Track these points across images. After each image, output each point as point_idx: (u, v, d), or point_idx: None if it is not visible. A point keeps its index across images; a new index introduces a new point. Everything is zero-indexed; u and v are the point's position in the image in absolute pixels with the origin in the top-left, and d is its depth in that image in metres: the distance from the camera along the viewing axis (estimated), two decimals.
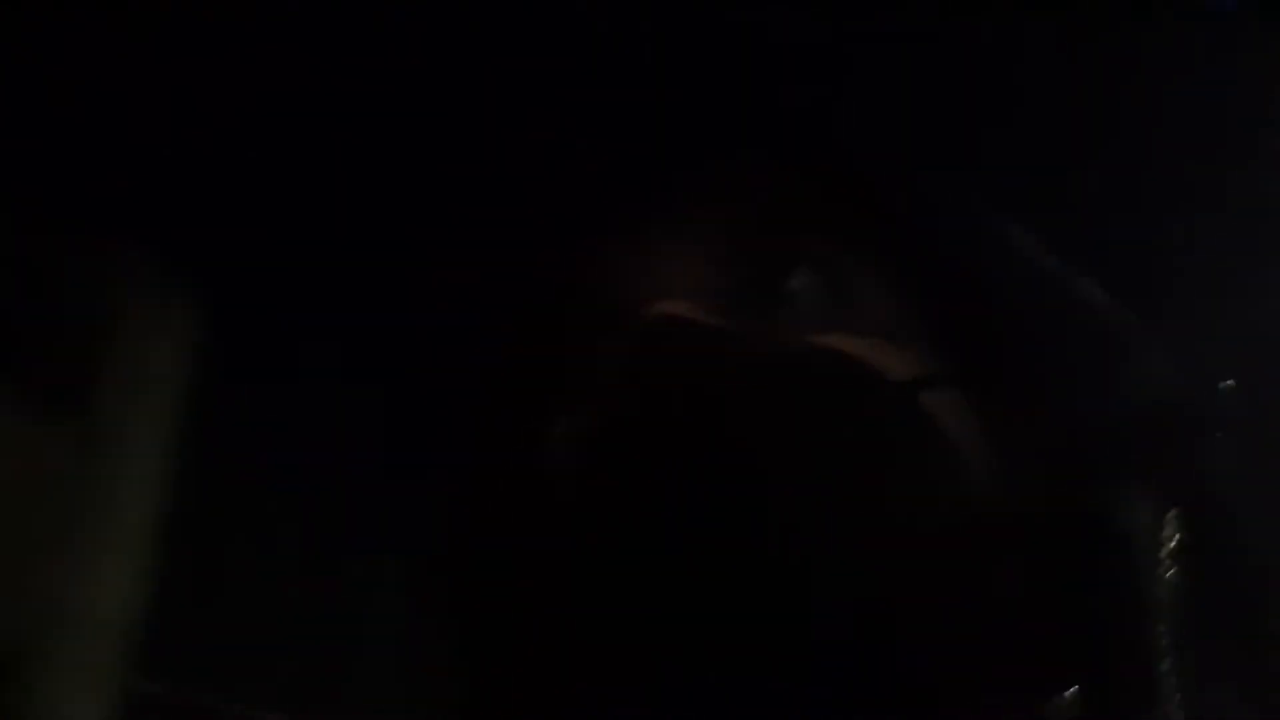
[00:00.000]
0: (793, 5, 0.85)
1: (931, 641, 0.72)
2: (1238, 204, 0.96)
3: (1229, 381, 0.80)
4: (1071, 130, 0.90)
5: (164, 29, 0.87)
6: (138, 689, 0.99)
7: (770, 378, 0.74)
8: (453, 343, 0.89)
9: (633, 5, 0.86)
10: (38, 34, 0.85)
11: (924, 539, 0.73)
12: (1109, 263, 0.82)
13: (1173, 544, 0.76)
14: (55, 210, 0.87)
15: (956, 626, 0.73)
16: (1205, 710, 0.75)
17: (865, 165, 0.82)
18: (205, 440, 0.97)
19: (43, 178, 0.89)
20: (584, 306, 0.79)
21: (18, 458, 0.90)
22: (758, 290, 0.77)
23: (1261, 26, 0.95)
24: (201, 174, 0.93)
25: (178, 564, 1.01)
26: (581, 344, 0.79)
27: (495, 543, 0.81)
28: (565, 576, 0.76)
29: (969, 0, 0.87)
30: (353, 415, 0.94)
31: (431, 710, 0.87)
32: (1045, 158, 0.88)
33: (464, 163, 0.88)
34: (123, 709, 1.01)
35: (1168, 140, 0.93)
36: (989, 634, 0.74)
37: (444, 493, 0.85)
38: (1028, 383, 0.78)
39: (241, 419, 0.97)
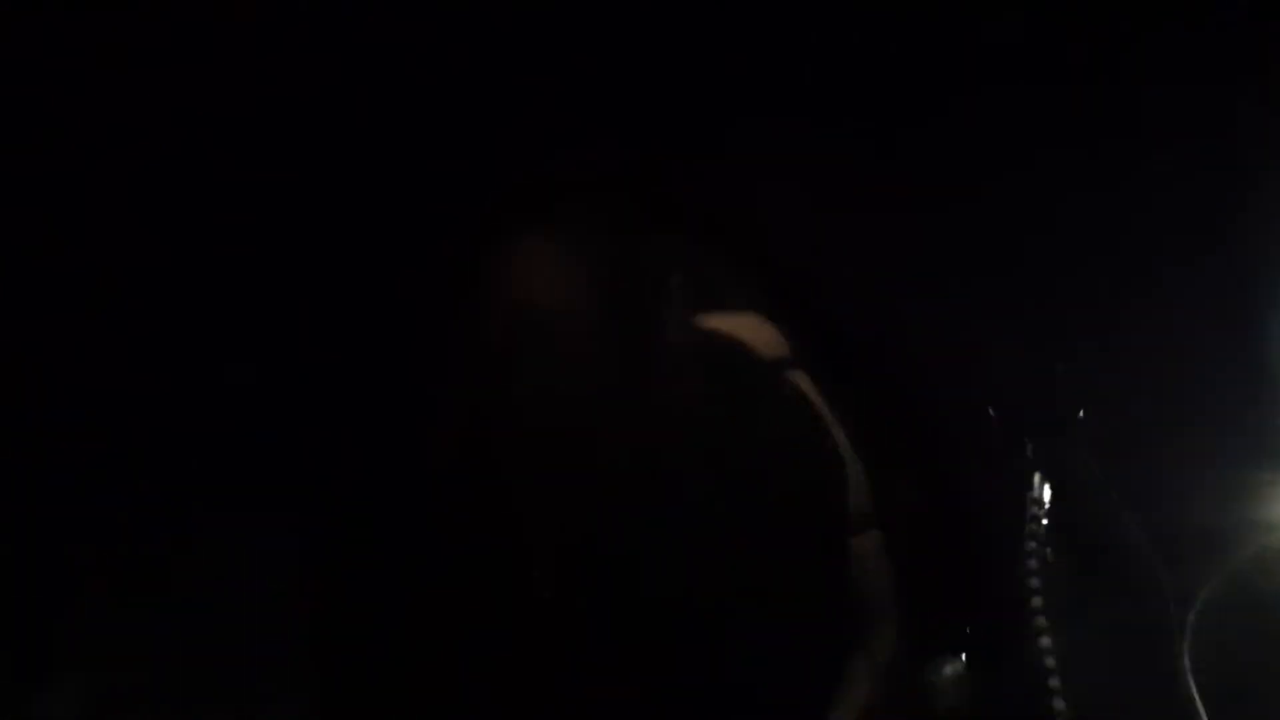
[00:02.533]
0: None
1: (797, 617, 0.78)
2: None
3: (1060, 366, 0.83)
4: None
5: None
6: None
7: (663, 362, 0.80)
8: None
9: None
10: None
11: (792, 511, 0.78)
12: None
13: (1037, 519, 0.81)
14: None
15: (819, 602, 0.78)
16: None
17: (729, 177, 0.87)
18: None
19: None
20: (484, 305, 0.84)
21: None
22: (645, 289, 0.82)
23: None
24: None
25: None
26: (482, 338, 0.84)
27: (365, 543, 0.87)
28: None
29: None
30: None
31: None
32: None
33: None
34: None
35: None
36: (858, 609, 0.80)
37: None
38: (881, 370, 0.83)
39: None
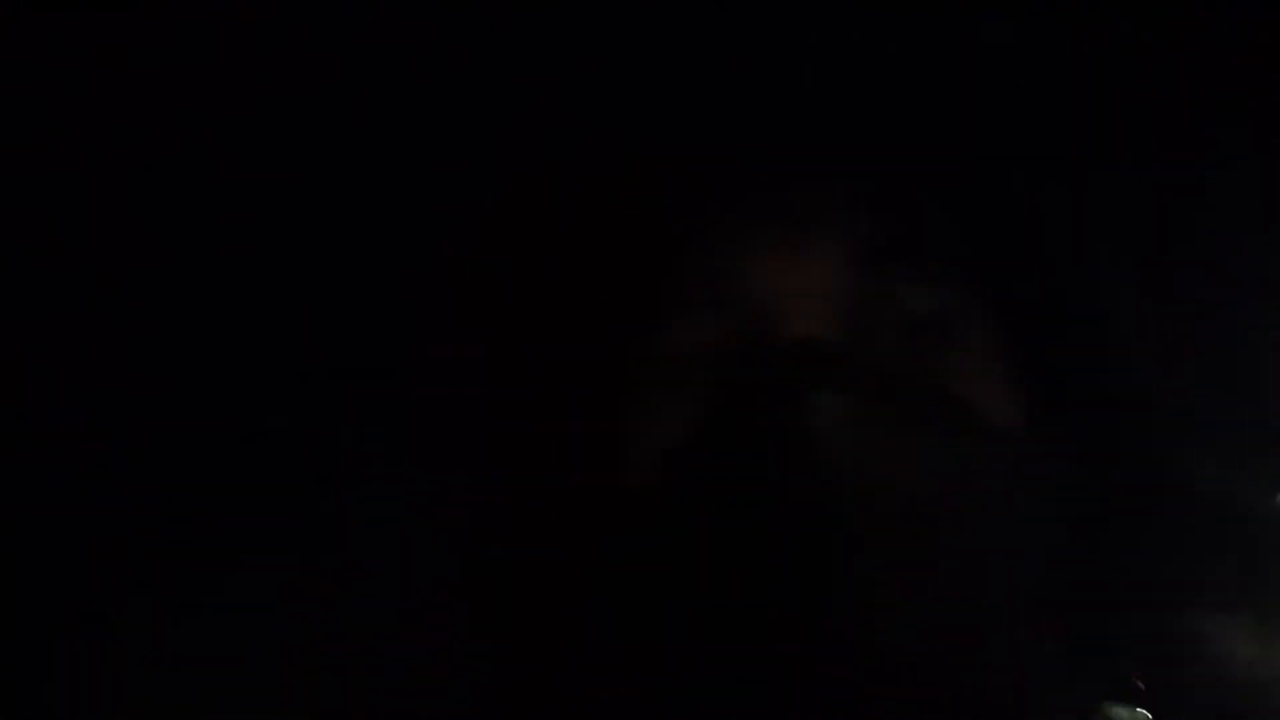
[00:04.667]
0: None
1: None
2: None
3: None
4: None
5: None
6: None
7: (877, 408, 0.74)
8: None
9: None
10: None
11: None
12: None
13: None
14: None
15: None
16: None
17: (992, 192, 0.81)
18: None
19: None
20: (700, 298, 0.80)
21: None
22: (874, 313, 0.78)
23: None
24: None
25: None
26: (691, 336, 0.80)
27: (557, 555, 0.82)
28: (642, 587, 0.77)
29: None
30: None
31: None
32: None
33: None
34: None
35: None
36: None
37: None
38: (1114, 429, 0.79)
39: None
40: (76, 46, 0.83)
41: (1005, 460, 0.75)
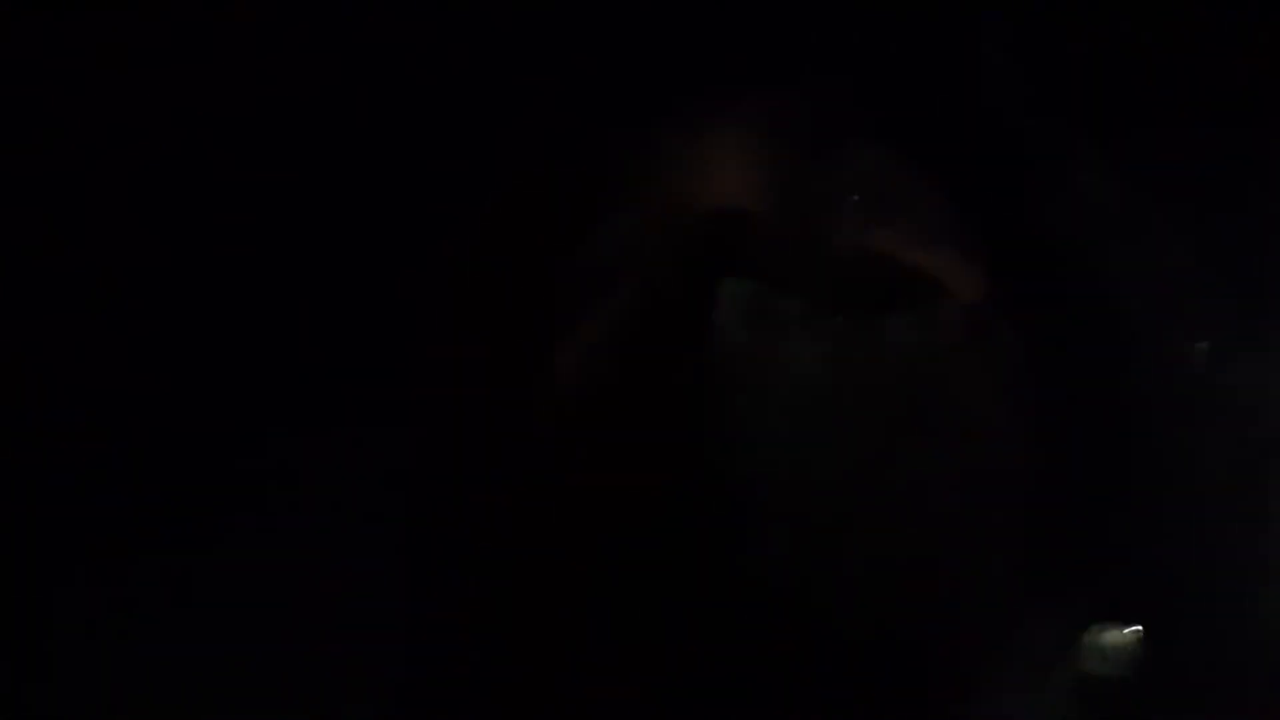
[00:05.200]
0: None
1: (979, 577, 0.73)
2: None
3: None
4: None
5: None
6: None
7: (828, 281, 0.74)
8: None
9: None
10: None
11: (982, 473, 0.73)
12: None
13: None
14: None
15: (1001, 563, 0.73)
16: None
17: (928, 76, 0.82)
18: None
19: None
20: (633, 189, 0.79)
21: None
22: (812, 189, 0.76)
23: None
24: None
25: None
26: (625, 226, 0.79)
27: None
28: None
29: None
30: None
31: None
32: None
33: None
34: None
35: None
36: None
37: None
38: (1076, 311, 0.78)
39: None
40: (76, 46, 0.84)
41: (962, 355, 0.75)
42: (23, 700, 0.87)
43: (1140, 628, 0.76)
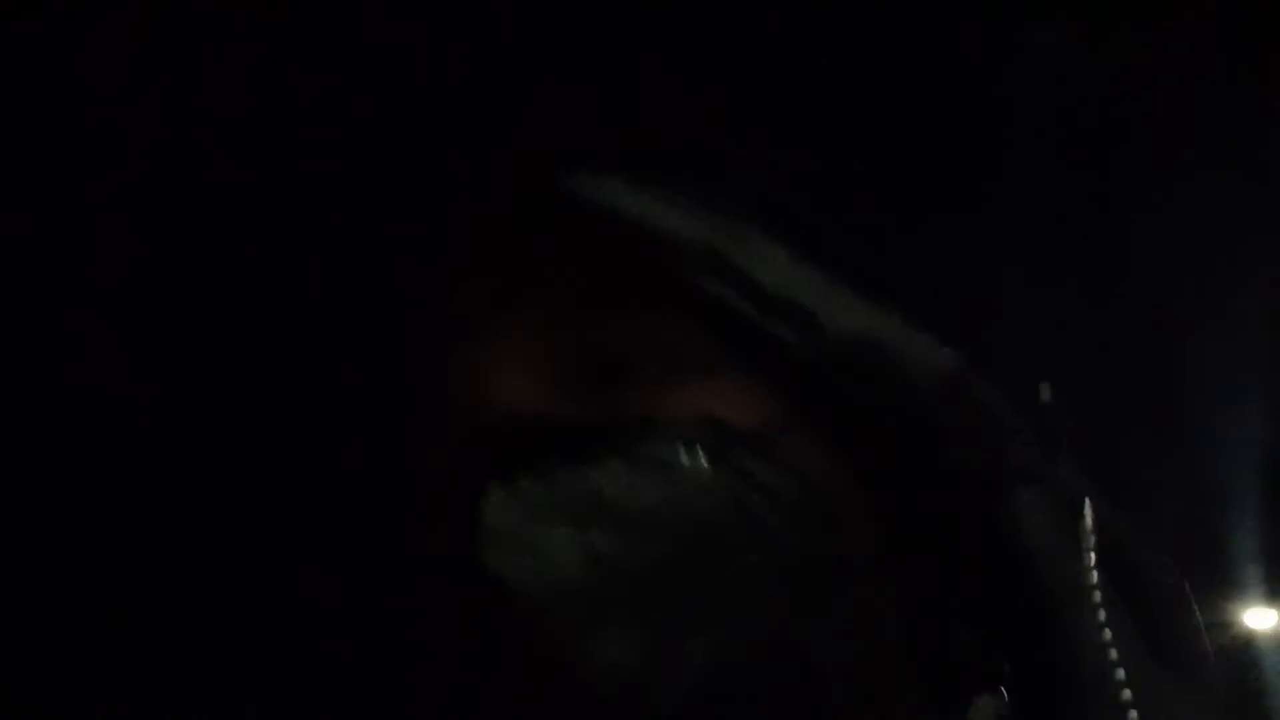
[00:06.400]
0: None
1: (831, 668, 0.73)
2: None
3: (1046, 391, 0.79)
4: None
5: None
6: None
7: (621, 446, 0.74)
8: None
9: None
10: None
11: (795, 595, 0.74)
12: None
13: (1092, 542, 0.76)
14: None
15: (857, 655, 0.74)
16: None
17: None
18: None
19: None
20: (424, 406, 0.80)
21: None
22: (591, 369, 0.77)
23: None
24: None
25: None
26: (428, 442, 0.80)
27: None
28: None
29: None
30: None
31: None
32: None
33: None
34: None
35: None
36: (891, 653, 0.75)
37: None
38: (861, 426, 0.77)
39: None
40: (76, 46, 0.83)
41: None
42: None
43: None
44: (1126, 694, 0.72)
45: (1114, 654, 0.73)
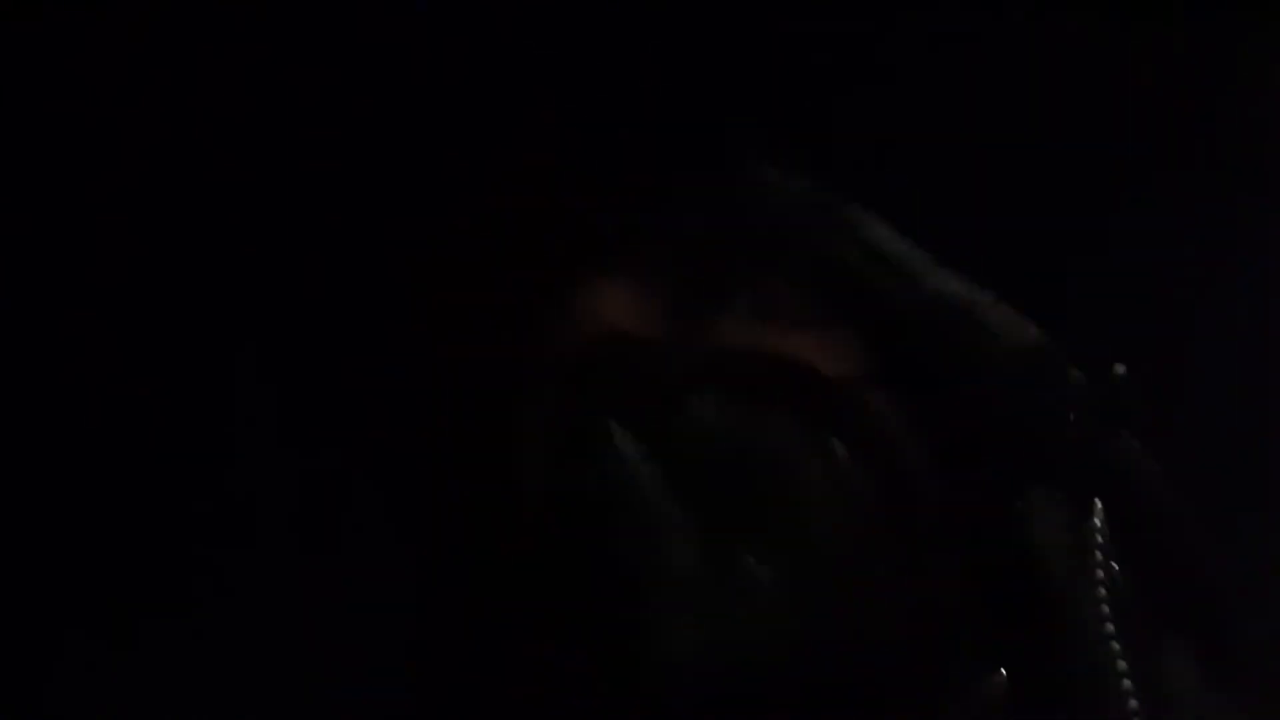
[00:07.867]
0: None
1: (861, 638, 0.75)
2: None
3: (1120, 368, 0.79)
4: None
5: None
6: None
7: (712, 375, 0.77)
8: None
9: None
10: None
11: (857, 536, 0.75)
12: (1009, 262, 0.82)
13: (1101, 535, 0.76)
14: None
15: (883, 622, 0.75)
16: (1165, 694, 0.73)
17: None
18: None
19: None
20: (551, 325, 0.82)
21: None
22: (703, 307, 0.80)
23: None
24: None
25: None
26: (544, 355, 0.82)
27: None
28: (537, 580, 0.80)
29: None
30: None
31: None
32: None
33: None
34: None
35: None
36: (915, 628, 0.76)
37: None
38: (941, 385, 0.78)
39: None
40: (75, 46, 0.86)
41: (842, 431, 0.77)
42: None
43: None
44: (1127, 684, 0.72)
45: (1116, 647, 0.73)
